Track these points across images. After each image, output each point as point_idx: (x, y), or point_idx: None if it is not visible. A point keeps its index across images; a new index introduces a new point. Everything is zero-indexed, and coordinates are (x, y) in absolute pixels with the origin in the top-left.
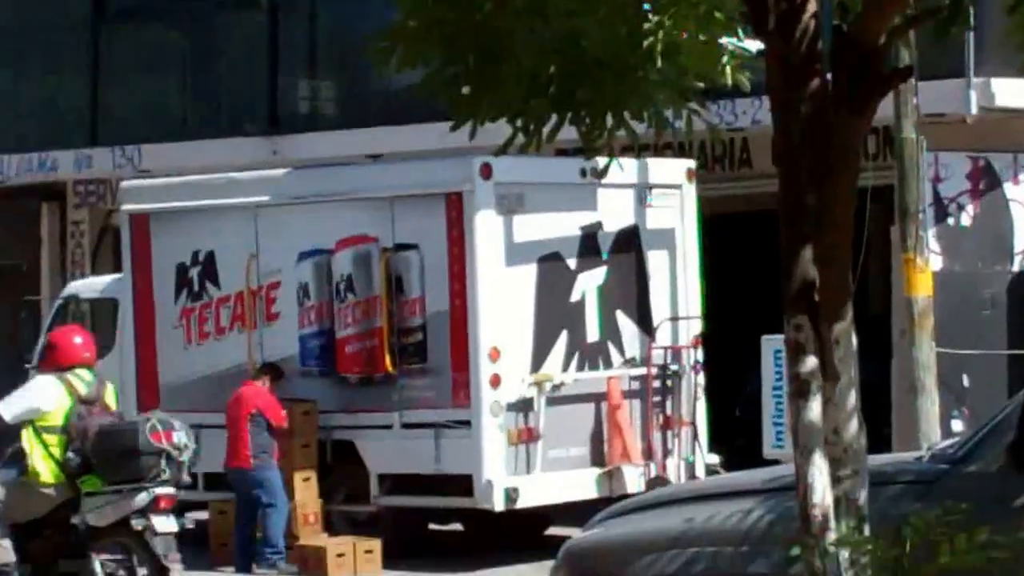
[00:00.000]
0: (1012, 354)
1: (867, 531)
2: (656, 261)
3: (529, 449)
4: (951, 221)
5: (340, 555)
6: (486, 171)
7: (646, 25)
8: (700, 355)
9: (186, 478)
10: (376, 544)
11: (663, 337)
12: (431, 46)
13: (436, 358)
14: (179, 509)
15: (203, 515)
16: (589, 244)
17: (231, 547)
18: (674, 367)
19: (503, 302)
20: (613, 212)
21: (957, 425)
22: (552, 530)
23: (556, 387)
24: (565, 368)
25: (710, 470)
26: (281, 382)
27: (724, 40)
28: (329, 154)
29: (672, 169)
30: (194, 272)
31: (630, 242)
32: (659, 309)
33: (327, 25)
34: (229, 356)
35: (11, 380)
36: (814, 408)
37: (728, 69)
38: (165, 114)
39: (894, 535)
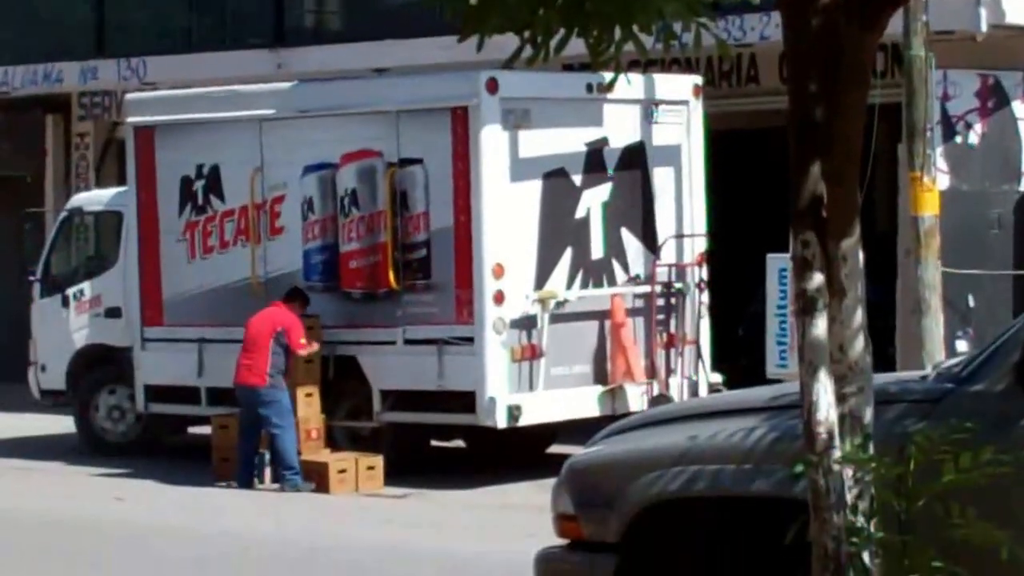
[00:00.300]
0: (1018, 274)
1: (871, 449)
2: (662, 178)
3: (532, 366)
4: (959, 140)
5: (342, 471)
6: (492, 86)
7: None
8: (704, 273)
9: None
10: (378, 460)
11: (668, 255)
12: None
13: (440, 274)
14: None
15: (205, 430)
16: (595, 160)
17: (233, 462)
18: (678, 285)
19: (508, 218)
20: (619, 128)
21: (962, 345)
22: (554, 447)
23: (560, 304)
24: (569, 285)
25: (713, 389)
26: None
27: None
28: (334, 68)
29: (679, 85)
30: (198, 185)
31: (636, 159)
32: (664, 226)
33: None
34: (233, 270)
35: (16, 292)
36: (820, 325)
37: None
38: (171, 26)
39: (898, 453)
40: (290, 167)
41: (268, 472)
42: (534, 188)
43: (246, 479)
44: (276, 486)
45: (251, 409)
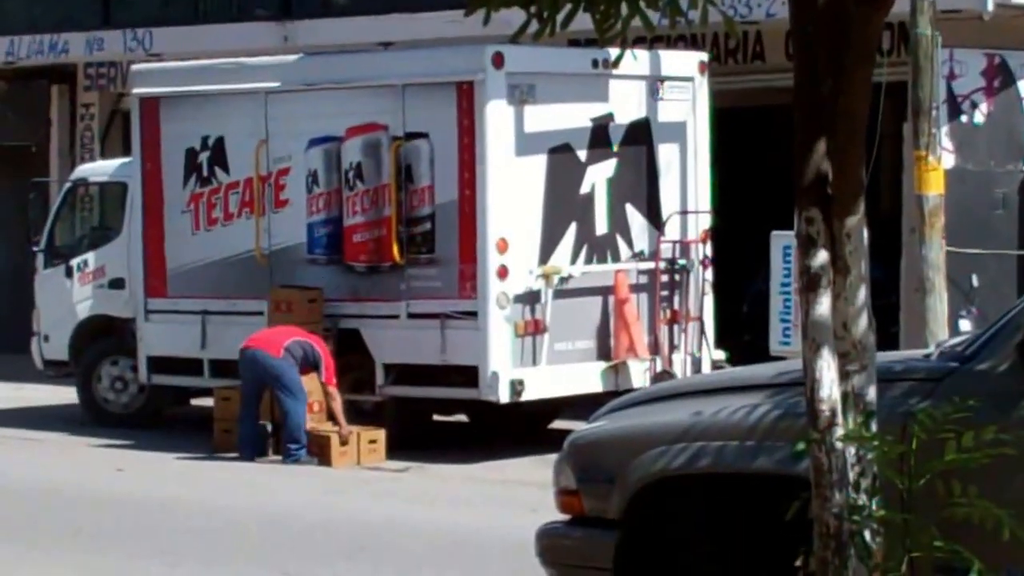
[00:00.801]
0: (1022, 254)
1: (874, 427)
2: (667, 154)
3: (535, 342)
4: (964, 119)
5: (344, 444)
6: (498, 60)
7: None
8: (709, 250)
9: None
10: (380, 434)
11: (672, 231)
12: None
13: (444, 248)
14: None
15: (208, 402)
16: (600, 136)
17: (235, 433)
18: (682, 261)
19: (512, 193)
20: (624, 104)
21: (965, 324)
22: (557, 423)
23: (564, 280)
24: (573, 261)
25: (716, 366)
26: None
27: None
28: (341, 41)
29: (685, 61)
30: (203, 157)
31: (641, 135)
32: (669, 203)
33: None
34: (237, 242)
35: (20, 261)
36: (824, 302)
37: None
38: None
39: (901, 432)
40: (295, 140)
41: (271, 444)
42: (539, 163)
43: (249, 452)
44: (278, 458)
45: (256, 377)
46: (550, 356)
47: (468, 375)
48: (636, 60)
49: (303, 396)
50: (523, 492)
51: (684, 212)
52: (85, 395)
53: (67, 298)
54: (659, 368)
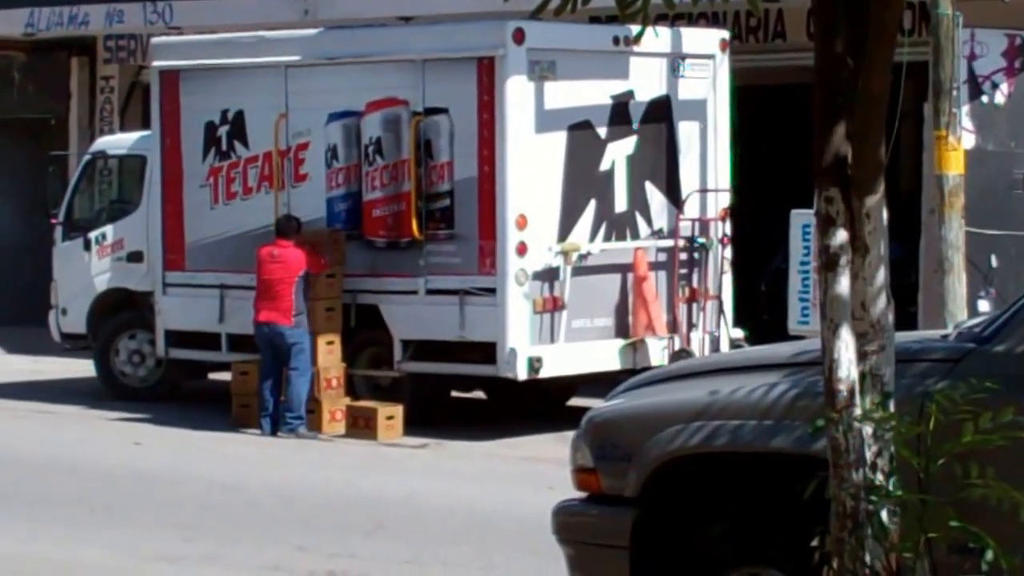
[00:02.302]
0: None
1: (892, 407)
2: (687, 132)
3: (554, 318)
4: (985, 99)
5: (385, 416)
6: (519, 36)
7: None
8: (728, 228)
9: None
10: (398, 410)
11: (691, 209)
12: None
13: (463, 224)
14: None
15: (226, 376)
16: (620, 113)
17: (252, 408)
18: (701, 240)
19: (532, 170)
20: (645, 81)
21: (984, 305)
22: (574, 400)
23: (582, 257)
24: (592, 238)
25: (734, 344)
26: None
27: None
28: (361, 15)
29: (706, 39)
30: (223, 131)
31: (661, 112)
32: (688, 181)
33: None
34: (256, 216)
35: (39, 233)
36: (842, 282)
37: None
38: None
39: (918, 412)
40: (315, 114)
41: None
42: (559, 140)
43: (269, 425)
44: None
45: (274, 350)
46: (568, 333)
47: (486, 352)
48: (657, 37)
49: (307, 365)
50: (540, 469)
51: (704, 190)
52: (103, 368)
53: (85, 271)
54: (677, 346)
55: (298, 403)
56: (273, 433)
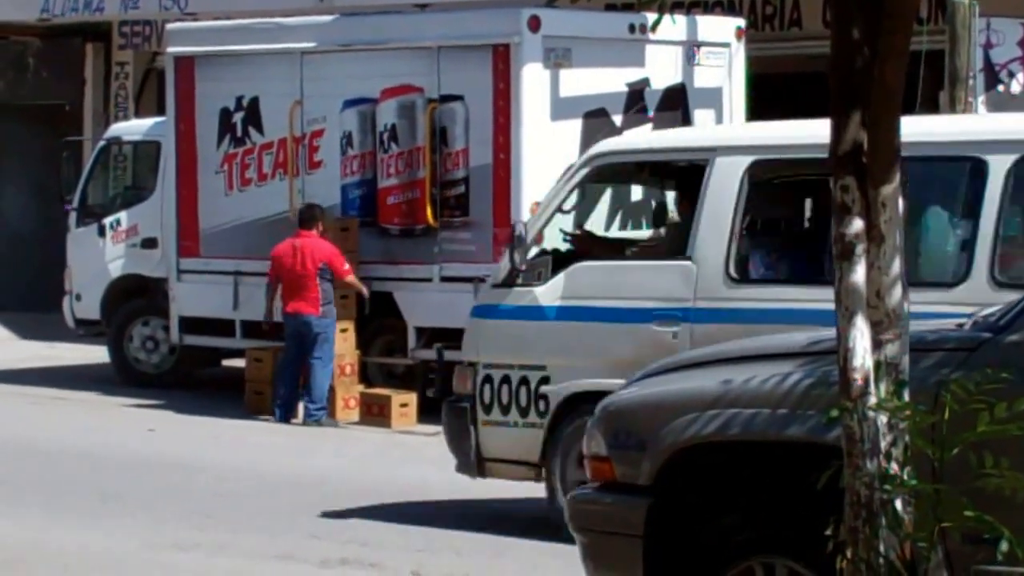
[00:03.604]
0: None
1: (907, 396)
2: (702, 120)
3: None
4: (1001, 88)
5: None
6: (534, 23)
7: None
8: None
9: None
10: (411, 397)
11: None
12: None
13: (478, 212)
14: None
15: (239, 363)
16: (635, 101)
17: (266, 395)
18: None
19: (547, 157)
20: (661, 69)
21: None
22: None
23: None
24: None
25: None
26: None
27: None
28: (376, 2)
29: (721, 27)
30: (238, 117)
31: (677, 100)
32: None
33: None
34: (270, 203)
35: (54, 219)
36: (858, 271)
37: None
38: None
39: (933, 401)
40: (330, 101)
41: (301, 408)
42: (574, 127)
43: (285, 413)
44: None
45: (299, 339)
46: None
47: None
48: (673, 25)
49: (331, 354)
50: None
51: None
52: (117, 355)
53: (99, 257)
54: None
55: (321, 393)
56: (286, 421)
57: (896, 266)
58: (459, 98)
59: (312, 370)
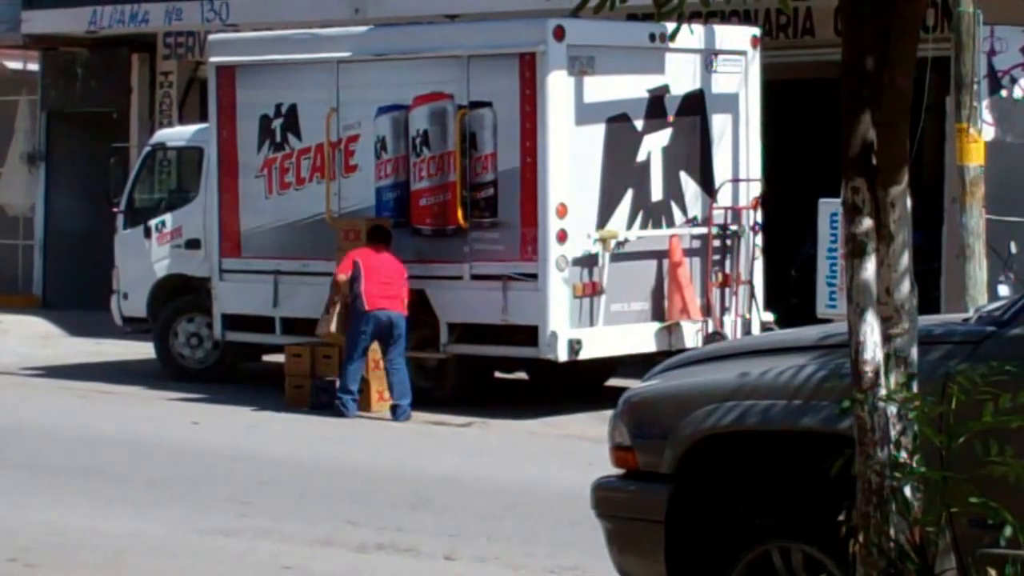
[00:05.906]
0: None
1: (915, 388)
2: (720, 125)
3: (592, 303)
4: (1004, 93)
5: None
6: (559, 33)
7: None
8: (759, 216)
9: None
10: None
11: (724, 198)
12: None
13: (506, 213)
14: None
15: (279, 358)
16: (656, 106)
17: (306, 388)
18: (734, 227)
19: (572, 160)
20: (680, 76)
21: (1003, 289)
22: (612, 381)
23: (620, 244)
24: (629, 226)
25: (765, 327)
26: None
27: None
28: (409, 13)
29: (738, 36)
30: (277, 124)
31: (695, 106)
32: (721, 171)
33: None
34: (308, 206)
35: (102, 221)
36: (868, 268)
37: None
38: None
39: (940, 392)
40: (364, 107)
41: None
42: (598, 132)
43: (355, 406)
44: (381, 413)
45: (384, 336)
46: (606, 317)
47: (528, 334)
48: (692, 34)
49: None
50: (580, 447)
51: (736, 180)
52: (162, 351)
53: (145, 258)
54: (710, 329)
55: (406, 387)
56: (346, 415)
57: (904, 263)
58: (488, 104)
59: (396, 367)
